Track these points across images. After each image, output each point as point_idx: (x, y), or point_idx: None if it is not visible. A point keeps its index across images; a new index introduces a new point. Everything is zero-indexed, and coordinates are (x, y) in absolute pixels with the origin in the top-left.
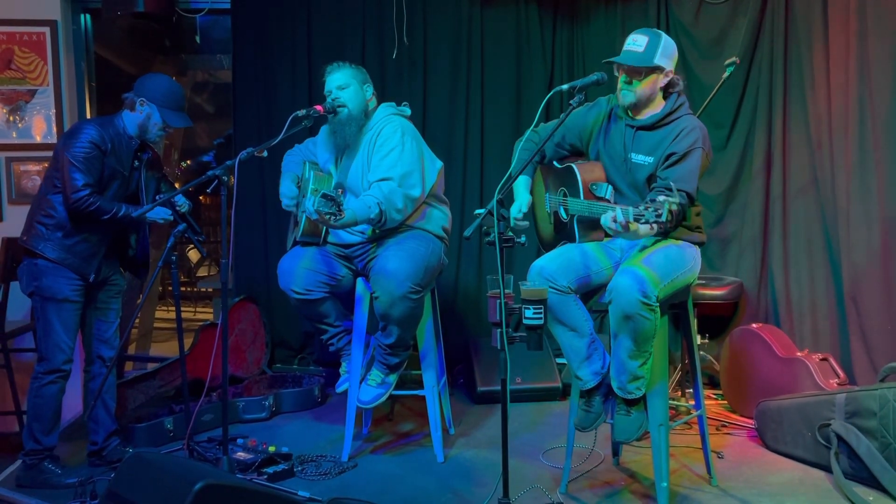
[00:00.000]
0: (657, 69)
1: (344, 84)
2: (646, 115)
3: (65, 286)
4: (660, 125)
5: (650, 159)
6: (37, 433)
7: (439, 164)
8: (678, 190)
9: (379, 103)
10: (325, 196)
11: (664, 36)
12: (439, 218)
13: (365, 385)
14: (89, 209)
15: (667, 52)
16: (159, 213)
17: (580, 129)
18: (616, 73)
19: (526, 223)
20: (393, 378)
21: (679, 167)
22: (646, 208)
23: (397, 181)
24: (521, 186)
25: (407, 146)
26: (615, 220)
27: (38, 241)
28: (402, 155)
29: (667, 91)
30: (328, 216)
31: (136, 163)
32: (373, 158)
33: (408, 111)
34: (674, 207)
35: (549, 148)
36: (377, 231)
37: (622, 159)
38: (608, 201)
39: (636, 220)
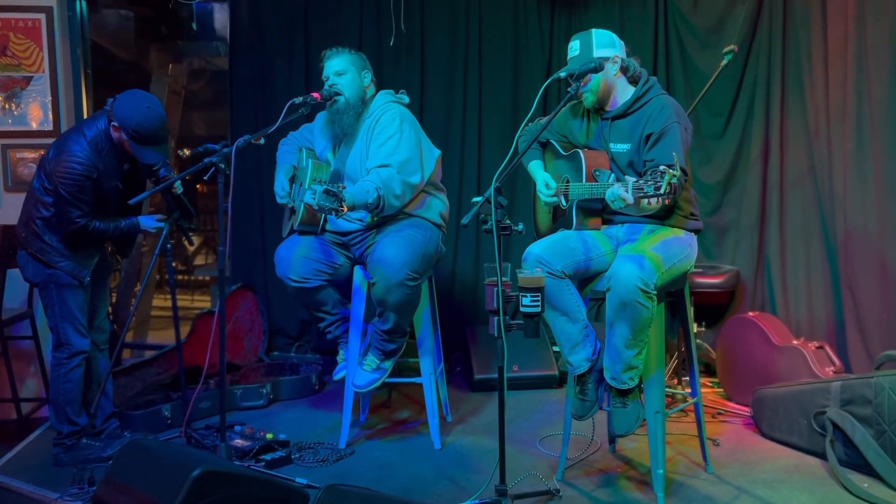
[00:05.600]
0: (601, 61)
1: (341, 70)
2: (616, 104)
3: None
4: (631, 111)
5: (627, 146)
6: (71, 415)
7: (437, 151)
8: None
9: (377, 90)
10: (327, 192)
11: (594, 31)
12: (437, 206)
13: (360, 370)
14: (89, 235)
15: (602, 42)
16: (149, 223)
17: (567, 129)
18: (570, 83)
19: (555, 199)
20: (388, 364)
21: (660, 145)
22: (645, 182)
23: (396, 168)
24: (537, 168)
25: (405, 133)
26: (617, 195)
27: (35, 242)
28: (400, 142)
29: (633, 75)
30: (330, 211)
31: (127, 165)
32: (371, 146)
33: (406, 99)
34: (674, 181)
35: (548, 135)
36: (375, 218)
37: (604, 151)
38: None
39: (635, 194)
